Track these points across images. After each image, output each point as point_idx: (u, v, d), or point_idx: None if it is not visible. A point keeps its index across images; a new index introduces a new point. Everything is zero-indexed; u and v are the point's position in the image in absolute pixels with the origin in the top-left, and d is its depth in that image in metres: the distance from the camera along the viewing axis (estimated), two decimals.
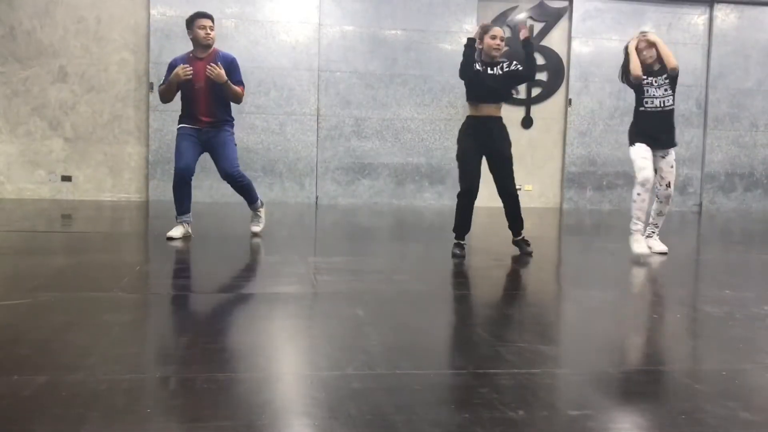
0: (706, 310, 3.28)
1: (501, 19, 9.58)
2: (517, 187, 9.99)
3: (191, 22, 5.25)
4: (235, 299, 3.37)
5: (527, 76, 5.00)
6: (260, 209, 5.67)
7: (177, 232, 5.31)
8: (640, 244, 5.05)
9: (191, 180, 5.33)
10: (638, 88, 5.09)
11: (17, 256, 4.46)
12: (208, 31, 5.21)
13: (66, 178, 8.87)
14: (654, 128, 5.04)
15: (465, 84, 4.80)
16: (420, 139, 9.38)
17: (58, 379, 2.02)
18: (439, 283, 4.00)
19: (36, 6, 8.67)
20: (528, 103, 9.79)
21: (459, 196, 4.80)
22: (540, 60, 9.71)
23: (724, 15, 9.94)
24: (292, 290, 3.51)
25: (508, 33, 9.64)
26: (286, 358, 2.44)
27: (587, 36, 9.72)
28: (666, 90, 5.04)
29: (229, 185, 5.52)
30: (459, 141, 4.85)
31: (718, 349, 2.62)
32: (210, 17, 5.28)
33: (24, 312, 2.87)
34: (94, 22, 8.79)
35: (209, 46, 5.26)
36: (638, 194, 4.95)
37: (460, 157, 4.79)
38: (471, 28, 9.31)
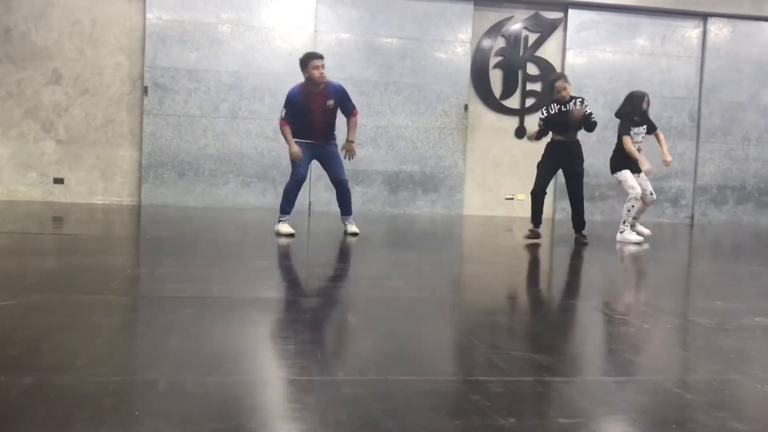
0: (697, 320, 3.29)
1: (495, 29, 9.62)
2: (510, 196, 10.16)
3: (306, 62, 5.87)
4: (226, 303, 3.35)
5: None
6: (351, 223, 6.33)
7: (290, 228, 5.96)
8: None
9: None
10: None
11: (8, 257, 4.43)
12: (322, 71, 5.86)
13: (58, 181, 8.84)
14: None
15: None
16: (414, 147, 9.38)
17: (45, 381, 2.00)
18: (431, 290, 3.99)
19: (31, 8, 8.66)
20: (522, 113, 9.81)
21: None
22: (534, 70, 9.77)
23: (718, 29, 10.01)
24: (284, 295, 3.50)
25: (503, 43, 9.70)
26: (276, 363, 2.43)
27: (581, 47, 9.77)
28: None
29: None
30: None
31: (709, 359, 2.62)
32: (322, 57, 5.95)
33: (13, 313, 2.85)
34: (90, 24, 8.78)
35: (322, 83, 5.91)
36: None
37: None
38: (465, 38, 9.36)
